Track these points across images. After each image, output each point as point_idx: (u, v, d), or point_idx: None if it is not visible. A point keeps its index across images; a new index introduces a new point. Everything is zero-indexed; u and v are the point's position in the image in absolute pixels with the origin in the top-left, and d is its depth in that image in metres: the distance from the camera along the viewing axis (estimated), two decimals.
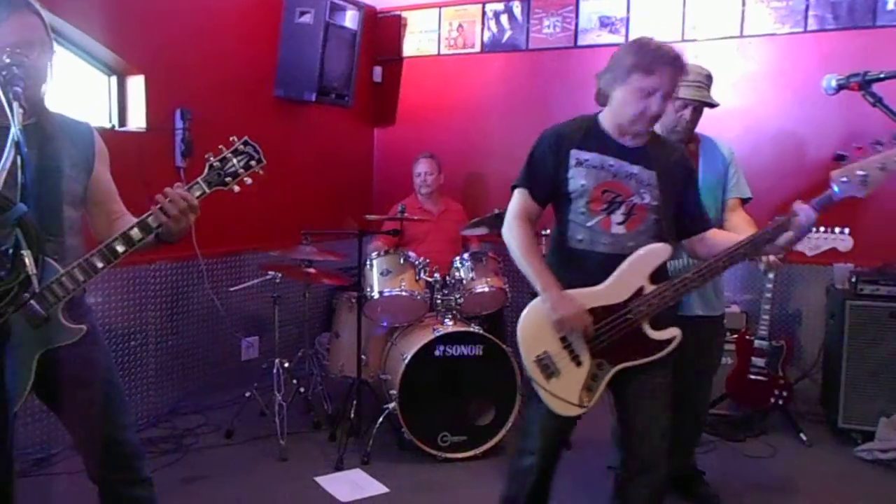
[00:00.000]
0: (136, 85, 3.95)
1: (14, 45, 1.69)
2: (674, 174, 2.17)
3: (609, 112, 2.20)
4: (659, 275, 2.14)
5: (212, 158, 1.93)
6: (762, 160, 4.19)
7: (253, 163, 1.96)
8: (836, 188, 2.07)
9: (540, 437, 2.31)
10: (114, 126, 3.93)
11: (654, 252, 2.13)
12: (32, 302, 1.69)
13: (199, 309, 4.29)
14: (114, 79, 3.97)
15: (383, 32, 5.62)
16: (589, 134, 2.19)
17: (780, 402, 3.83)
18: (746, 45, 4.40)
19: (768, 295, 3.79)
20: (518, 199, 2.26)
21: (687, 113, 2.77)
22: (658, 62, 2.06)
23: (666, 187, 2.13)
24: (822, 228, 2.58)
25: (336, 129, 5.31)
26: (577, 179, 2.15)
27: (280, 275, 3.82)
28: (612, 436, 3.10)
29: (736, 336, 3.94)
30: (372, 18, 5.50)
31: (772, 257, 2.60)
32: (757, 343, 3.84)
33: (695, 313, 2.86)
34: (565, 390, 2.17)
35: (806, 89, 4.24)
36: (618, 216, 2.13)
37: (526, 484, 2.36)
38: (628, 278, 2.13)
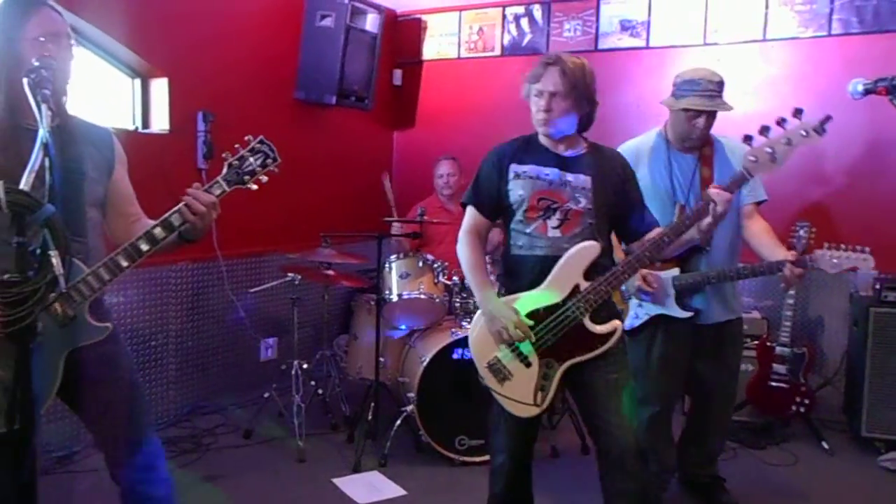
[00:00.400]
0: (160, 87, 3.99)
1: (41, 36, 1.74)
2: (609, 179, 2.29)
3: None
4: (593, 271, 2.24)
5: (229, 157, 1.97)
6: (784, 164, 4.14)
7: (269, 161, 2.00)
8: (746, 167, 2.16)
9: (506, 436, 2.42)
10: (137, 128, 3.97)
11: (585, 250, 2.24)
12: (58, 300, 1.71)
13: (219, 310, 4.32)
14: (137, 81, 4.01)
15: (403, 36, 5.64)
16: (527, 149, 2.35)
17: (802, 409, 3.79)
18: (769, 49, 4.36)
19: (790, 301, 3.75)
20: (468, 216, 2.44)
21: (700, 121, 2.76)
22: (538, 68, 2.26)
23: (600, 192, 2.26)
24: (843, 246, 2.57)
25: (356, 132, 5.33)
26: (516, 191, 2.30)
27: (299, 276, 3.83)
28: None
29: (757, 342, 3.90)
30: (392, 22, 5.51)
31: (787, 271, 2.60)
32: (778, 350, 3.79)
33: (715, 321, 2.84)
34: (519, 392, 2.29)
35: (829, 94, 4.18)
36: (553, 221, 2.27)
37: (502, 482, 2.47)
38: (564, 278, 2.25)
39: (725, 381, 3.02)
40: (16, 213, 1.18)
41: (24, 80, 1.45)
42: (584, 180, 2.26)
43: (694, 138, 2.78)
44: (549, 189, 2.27)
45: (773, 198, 2.95)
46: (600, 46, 4.89)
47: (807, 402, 3.78)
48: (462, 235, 2.42)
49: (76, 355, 1.85)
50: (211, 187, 1.93)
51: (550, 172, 2.28)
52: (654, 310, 2.84)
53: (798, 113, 2.21)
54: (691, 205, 2.80)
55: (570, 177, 2.27)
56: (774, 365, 3.81)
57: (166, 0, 3.88)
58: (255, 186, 1.99)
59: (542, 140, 2.35)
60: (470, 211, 2.43)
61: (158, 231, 1.86)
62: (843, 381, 4.08)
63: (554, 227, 2.26)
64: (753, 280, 4.18)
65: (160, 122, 4.00)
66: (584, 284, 2.22)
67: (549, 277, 2.25)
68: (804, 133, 2.13)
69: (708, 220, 2.18)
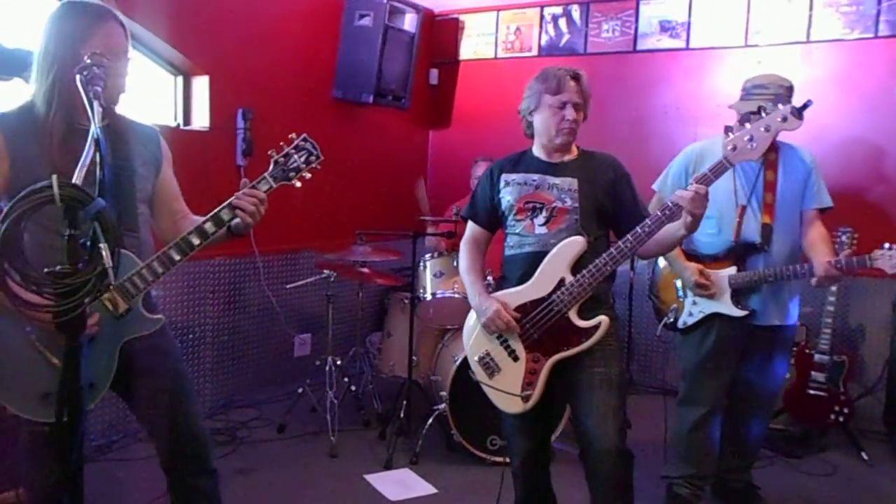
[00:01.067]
0: (201, 85, 4.06)
1: (104, 52, 1.77)
2: (598, 179, 2.35)
3: (536, 139, 2.43)
4: (580, 266, 2.27)
5: (275, 155, 2.03)
6: (828, 169, 4.02)
7: (312, 158, 2.07)
8: (726, 156, 2.13)
9: (515, 439, 2.49)
10: (178, 125, 4.04)
11: (570, 245, 2.28)
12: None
13: (255, 305, 4.38)
14: (180, 79, 4.09)
15: (440, 35, 5.65)
16: (519, 161, 2.46)
17: (841, 418, 3.71)
18: (813, 51, 4.29)
19: (830, 308, 3.67)
20: (467, 228, 2.60)
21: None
22: (562, 81, 2.31)
23: (587, 191, 2.32)
24: None
25: (392, 131, 5.36)
26: (506, 197, 2.41)
27: (335, 274, 3.87)
28: (666, 446, 3.06)
29: (795, 349, 3.83)
30: (429, 21, 5.53)
31: (820, 271, 2.57)
32: (817, 357, 3.72)
33: (770, 323, 2.82)
34: (507, 386, 2.35)
35: (875, 96, 4.11)
36: (540, 219, 2.34)
37: (521, 485, 2.54)
38: (550, 272, 2.30)
39: (770, 386, 2.99)
40: (68, 206, 1.21)
41: (77, 77, 1.48)
42: (570, 182, 2.33)
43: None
44: (535, 192, 2.36)
45: None
46: (639, 47, 4.85)
47: (846, 411, 3.70)
48: (461, 244, 2.59)
49: (127, 346, 1.92)
50: (258, 183, 1.99)
51: (537, 178, 2.38)
52: (709, 308, 2.84)
53: (753, 97, 2.27)
54: (754, 207, 2.80)
55: (556, 180, 2.35)
56: (813, 373, 3.74)
57: (209, 0, 3.96)
58: (299, 184, 2.05)
59: (535, 151, 2.44)
60: (469, 223, 2.58)
61: (209, 226, 1.93)
62: (884, 391, 3.99)
63: (541, 225, 2.34)
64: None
65: (201, 119, 4.07)
66: (570, 278, 2.26)
67: (537, 272, 2.31)
68: (782, 118, 2.10)
69: (684, 219, 2.11)
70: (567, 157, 2.40)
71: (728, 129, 2.16)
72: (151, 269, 1.89)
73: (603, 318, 2.25)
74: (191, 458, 2.09)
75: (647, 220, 2.18)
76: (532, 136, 2.45)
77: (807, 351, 3.78)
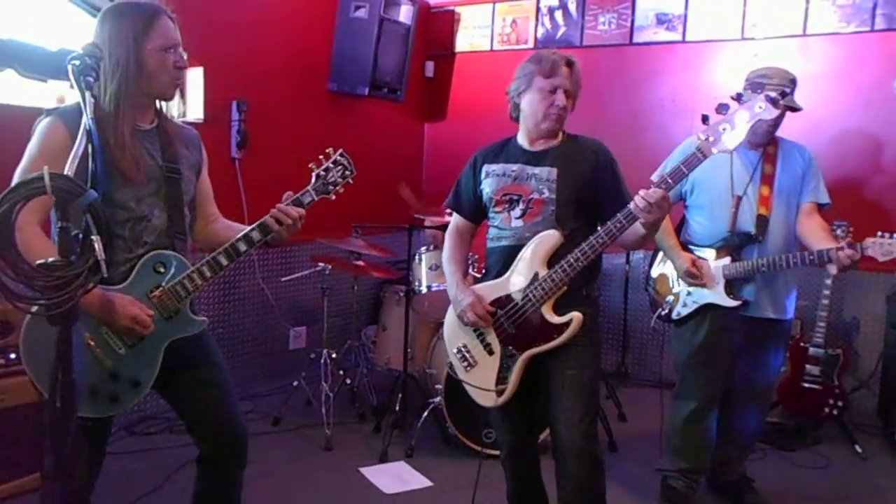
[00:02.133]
0: (195, 76, 4.03)
1: (165, 46, 1.90)
2: (577, 167, 2.29)
3: (522, 122, 2.38)
4: (556, 259, 2.24)
5: (316, 168, 2.12)
6: (824, 162, 4.01)
7: (347, 173, 2.18)
8: (699, 147, 2.08)
9: (501, 430, 2.51)
10: (173, 117, 4.02)
11: (544, 239, 2.26)
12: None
13: (251, 298, 4.37)
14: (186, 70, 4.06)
15: (436, 27, 5.63)
16: (501, 150, 2.43)
17: (835, 412, 3.72)
18: (809, 44, 4.28)
19: (825, 301, 3.68)
20: (452, 218, 2.59)
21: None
22: (556, 64, 2.26)
23: (565, 181, 2.27)
24: (895, 235, 2.53)
25: (387, 124, 5.35)
26: (485, 189, 2.40)
27: (330, 266, 3.86)
28: (662, 439, 3.07)
29: (790, 343, 3.84)
30: (425, 13, 5.51)
31: (840, 254, 2.56)
32: (812, 351, 3.73)
33: (763, 315, 2.83)
34: (482, 380, 2.36)
35: (871, 90, 4.11)
36: (516, 211, 2.32)
37: (509, 476, 2.57)
38: (524, 266, 2.28)
39: (765, 380, 2.99)
40: (60, 197, 1.20)
41: (69, 67, 1.47)
42: (548, 172, 2.29)
43: (760, 134, 2.76)
44: (512, 184, 2.33)
45: None
46: (635, 40, 4.84)
47: (840, 404, 3.72)
48: (446, 234, 2.59)
49: (171, 343, 1.96)
50: (302, 196, 2.08)
51: (516, 168, 2.34)
52: (703, 298, 2.84)
53: (757, 88, 2.19)
54: (749, 197, 2.80)
55: (535, 170, 2.31)
56: (807, 366, 3.74)
57: None
58: (334, 196, 2.15)
59: (519, 138, 2.40)
60: (454, 214, 2.57)
61: (255, 234, 2.02)
62: (878, 385, 4.01)
63: (517, 218, 2.31)
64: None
65: (195, 110, 4.04)
66: (543, 272, 2.24)
67: (513, 266, 2.30)
68: (759, 107, 2.05)
69: (640, 218, 2.09)
70: (550, 144, 2.34)
71: (705, 119, 2.11)
72: (201, 272, 1.97)
73: (575, 315, 2.21)
74: (233, 451, 2.11)
75: (619, 216, 2.12)
76: (517, 120, 2.40)
77: (801, 344, 3.79)
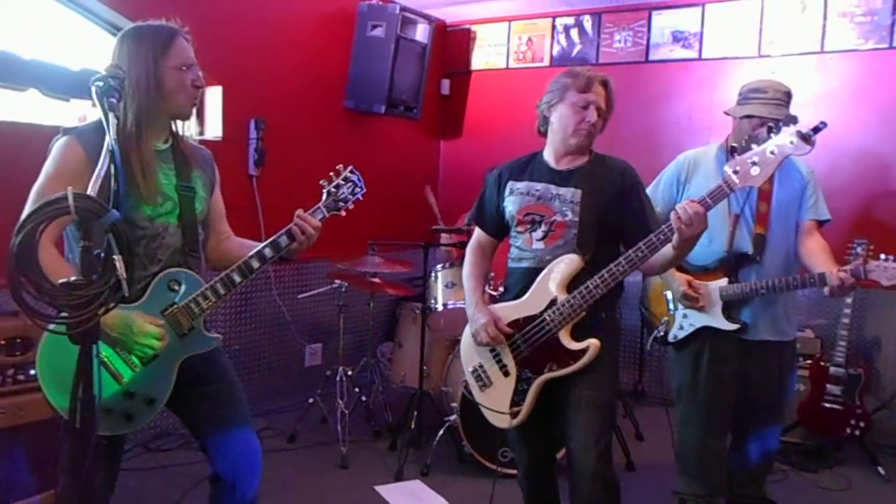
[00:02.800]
0: (214, 95, 4.08)
1: (182, 65, 1.93)
2: (603, 190, 2.26)
3: (550, 137, 2.36)
4: (574, 285, 2.22)
5: (327, 185, 2.14)
6: (841, 179, 4.05)
7: (357, 189, 2.18)
8: (727, 180, 2.06)
9: (518, 449, 2.50)
10: (192, 135, 4.05)
11: (564, 263, 2.23)
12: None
13: (267, 315, 4.38)
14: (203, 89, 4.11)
15: (452, 46, 5.67)
16: (527, 166, 2.39)
17: (857, 432, 3.67)
18: (827, 61, 4.27)
19: (846, 320, 3.64)
20: (475, 232, 2.57)
21: (763, 131, 2.69)
22: (591, 81, 2.24)
23: (589, 204, 2.24)
24: None
25: (404, 141, 5.37)
26: (509, 207, 2.37)
27: (346, 284, 3.87)
28: (675, 461, 3.02)
29: (810, 362, 3.80)
30: (441, 32, 5.55)
31: (832, 277, 2.49)
32: (832, 370, 3.69)
33: (762, 338, 2.76)
34: (497, 401, 2.35)
35: (890, 107, 4.09)
36: (538, 233, 2.30)
37: (526, 496, 2.55)
38: (543, 289, 2.26)
39: (771, 401, 2.90)
40: (83, 217, 1.21)
41: (92, 88, 1.49)
42: (572, 193, 2.26)
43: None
44: (536, 203, 2.30)
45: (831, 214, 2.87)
46: (651, 58, 4.85)
47: (862, 424, 3.66)
48: (467, 248, 2.57)
49: (185, 361, 1.98)
50: (314, 213, 2.09)
51: (541, 188, 2.31)
52: (699, 321, 2.78)
53: (790, 121, 2.10)
54: (746, 216, 2.74)
55: (560, 190, 2.28)
56: (828, 385, 3.70)
57: (221, 10, 3.98)
58: (344, 213, 2.16)
59: (545, 155, 2.37)
60: (476, 228, 2.55)
61: (268, 251, 2.03)
62: None
63: (538, 240, 2.29)
64: (807, 298, 4.10)
65: (214, 129, 4.09)
66: (562, 297, 2.21)
67: (531, 288, 2.28)
68: (790, 142, 2.02)
69: (675, 238, 2.07)
70: (576, 164, 2.31)
71: (733, 150, 2.09)
72: (214, 290, 1.99)
73: (592, 342, 2.18)
74: (245, 469, 2.10)
75: (641, 244, 2.12)
76: (545, 134, 2.36)
77: (822, 363, 3.74)
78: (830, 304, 3.94)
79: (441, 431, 3.58)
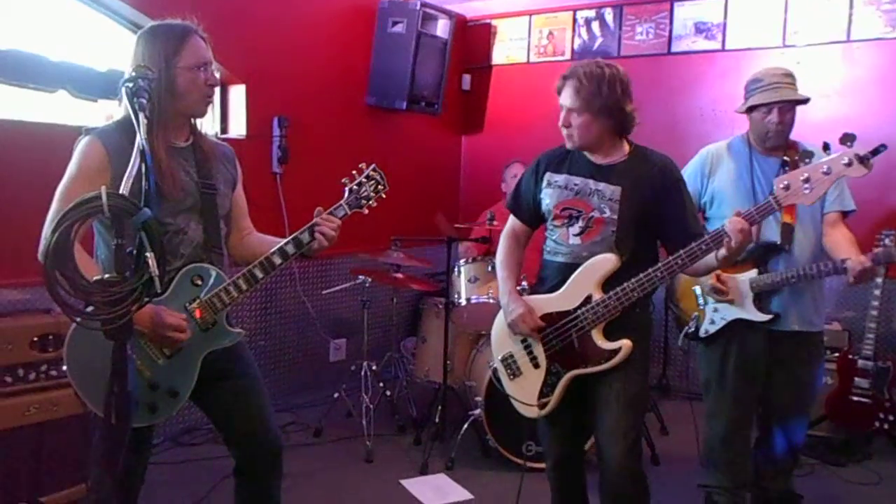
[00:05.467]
0: (238, 94, 4.12)
1: (196, 64, 1.95)
2: (643, 187, 2.22)
3: None
4: (610, 284, 2.20)
5: (349, 183, 2.15)
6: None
7: (380, 187, 2.19)
8: (776, 195, 2.03)
9: (548, 442, 2.48)
10: (216, 133, 4.11)
11: (601, 262, 2.21)
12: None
13: (291, 310, 4.42)
14: (217, 88, 4.15)
15: (473, 41, 5.66)
16: (566, 158, 2.35)
17: (886, 425, 3.62)
18: (853, 50, 4.21)
19: (874, 312, 3.58)
20: (509, 219, 2.53)
21: (773, 117, 2.67)
22: (559, 80, 2.24)
23: (629, 202, 2.20)
24: None
25: (425, 137, 5.38)
26: (546, 199, 2.34)
27: (370, 279, 3.89)
28: (701, 454, 3.01)
29: (837, 355, 3.75)
30: (462, 27, 5.55)
31: (856, 265, 2.47)
32: (861, 363, 3.64)
33: (791, 329, 2.75)
34: (525, 391, 2.35)
35: None
36: (575, 229, 2.27)
37: (554, 490, 2.53)
38: (579, 286, 2.25)
39: (798, 394, 2.89)
40: (115, 215, 1.24)
41: (122, 89, 1.52)
42: (613, 190, 2.22)
43: (771, 136, 2.70)
44: (574, 198, 2.27)
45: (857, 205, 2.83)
46: (674, 49, 4.81)
47: (891, 418, 3.61)
48: (501, 235, 2.52)
49: (208, 355, 2.01)
50: (335, 210, 2.11)
51: (580, 182, 2.27)
52: (731, 314, 2.77)
53: (847, 139, 2.04)
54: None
55: (600, 185, 2.24)
56: (856, 379, 3.65)
57: (243, 9, 4.02)
58: (367, 211, 2.18)
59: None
60: (511, 215, 2.51)
61: (290, 247, 2.05)
62: None
63: (575, 235, 2.26)
64: (834, 291, 4.05)
65: (237, 127, 4.13)
66: (597, 296, 2.20)
67: (567, 284, 2.27)
68: (847, 164, 1.96)
69: (723, 252, 2.08)
70: (616, 158, 2.27)
71: (785, 164, 2.04)
72: (237, 285, 2.01)
73: (625, 343, 2.18)
74: (267, 462, 2.14)
75: (682, 253, 2.11)
76: None
77: (850, 356, 3.70)
78: (858, 297, 3.89)
79: (465, 425, 3.59)
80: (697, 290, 2.91)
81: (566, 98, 2.24)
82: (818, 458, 3.63)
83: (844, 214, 2.77)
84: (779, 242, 2.70)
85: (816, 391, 2.97)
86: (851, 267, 2.49)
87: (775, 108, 2.67)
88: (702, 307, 2.88)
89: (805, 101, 2.69)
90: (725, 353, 2.79)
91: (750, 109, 2.74)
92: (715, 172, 2.83)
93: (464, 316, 3.83)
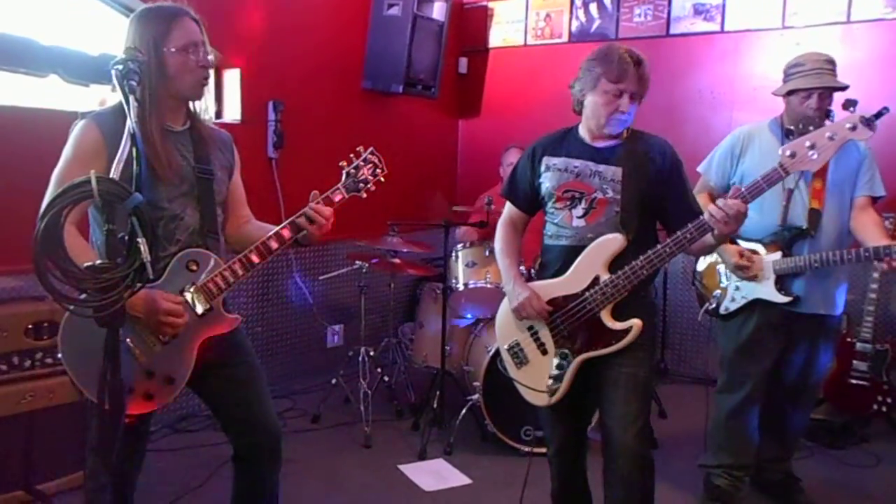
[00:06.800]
0: (232, 78, 4.08)
1: (186, 46, 1.91)
2: (644, 168, 2.21)
3: (584, 118, 2.30)
4: (617, 264, 2.19)
5: (346, 167, 2.12)
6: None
7: (378, 171, 2.17)
8: (782, 163, 2.03)
9: (550, 427, 2.45)
10: (210, 118, 4.06)
11: (608, 242, 2.19)
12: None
13: (288, 296, 4.40)
14: (211, 72, 4.10)
15: (469, 23, 5.61)
16: (563, 141, 2.33)
17: (884, 408, 3.63)
18: (853, 31, 4.17)
19: (872, 296, 3.58)
20: (505, 207, 2.50)
21: (812, 102, 2.68)
22: (624, 70, 2.15)
23: (631, 182, 2.20)
24: None
25: (422, 121, 5.35)
26: (545, 183, 2.31)
27: (367, 264, 3.87)
28: (703, 436, 3.02)
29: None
30: (458, 9, 5.49)
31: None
32: (859, 346, 3.64)
33: (811, 311, 2.77)
34: (534, 378, 2.32)
35: None
36: (578, 210, 2.25)
37: (555, 474, 2.51)
38: (585, 268, 2.23)
39: (813, 378, 2.92)
40: (106, 200, 1.21)
41: (112, 72, 1.49)
42: (613, 171, 2.21)
43: (809, 120, 2.68)
44: (574, 180, 2.25)
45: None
46: (672, 31, 4.76)
47: (889, 400, 3.62)
48: (498, 225, 2.51)
49: (204, 342, 1.99)
50: (332, 193, 2.08)
51: (579, 164, 2.26)
52: (752, 293, 2.79)
53: (850, 104, 2.02)
54: (802, 191, 2.74)
55: (600, 167, 2.23)
56: (855, 361, 3.65)
57: None
58: (365, 195, 2.14)
59: (581, 131, 2.31)
60: (507, 203, 2.49)
61: (286, 232, 2.03)
62: None
63: (579, 217, 2.24)
64: None
65: (232, 111, 4.09)
66: (605, 277, 2.18)
67: (573, 267, 2.24)
68: (851, 127, 1.96)
69: (715, 230, 2.05)
70: (615, 141, 2.25)
71: (790, 133, 2.04)
72: (232, 270, 1.99)
73: (635, 322, 2.16)
74: (266, 449, 2.13)
75: (691, 226, 2.08)
76: (580, 113, 2.30)
77: (848, 339, 3.69)
78: (858, 280, 3.87)
79: (464, 411, 3.59)
80: (721, 268, 2.94)
81: (633, 83, 2.16)
82: (816, 441, 3.63)
83: (874, 200, 2.78)
84: (805, 227, 2.72)
85: (823, 374, 2.99)
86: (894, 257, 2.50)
87: (815, 93, 2.68)
88: (724, 286, 2.89)
89: (845, 87, 2.70)
90: (742, 331, 2.83)
91: (789, 93, 2.74)
92: (745, 153, 2.84)
93: (461, 300, 3.83)
